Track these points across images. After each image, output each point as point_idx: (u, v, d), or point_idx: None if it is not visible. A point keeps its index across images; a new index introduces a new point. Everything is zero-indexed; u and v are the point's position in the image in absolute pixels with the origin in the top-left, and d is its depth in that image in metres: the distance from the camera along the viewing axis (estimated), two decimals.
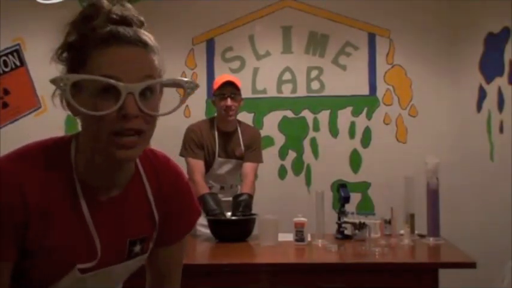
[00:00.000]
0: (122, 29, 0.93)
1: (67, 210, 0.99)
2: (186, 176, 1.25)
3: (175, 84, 1.02)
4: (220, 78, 3.21)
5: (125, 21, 0.96)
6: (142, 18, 0.99)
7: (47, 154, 0.99)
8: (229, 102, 3.07)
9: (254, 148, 3.22)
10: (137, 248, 1.10)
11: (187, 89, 1.00)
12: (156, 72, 0.96)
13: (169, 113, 1.00)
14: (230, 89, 3.10)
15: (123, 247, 1.08)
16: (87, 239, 1.01)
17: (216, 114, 3.24)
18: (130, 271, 1.16)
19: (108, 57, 0.92)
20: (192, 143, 3.11)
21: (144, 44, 0.95)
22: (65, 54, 0.97)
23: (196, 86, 1.01)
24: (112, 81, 0.90)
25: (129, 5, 0.98)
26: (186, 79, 1.01)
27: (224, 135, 3.17)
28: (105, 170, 1.01)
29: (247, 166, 3.17)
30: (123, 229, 1.07)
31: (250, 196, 3.07)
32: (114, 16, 0.95)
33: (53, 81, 0.92)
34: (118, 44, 0.92)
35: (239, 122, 3.25)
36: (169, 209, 1.15)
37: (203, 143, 3.13)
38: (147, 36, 0.96)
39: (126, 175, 1.07)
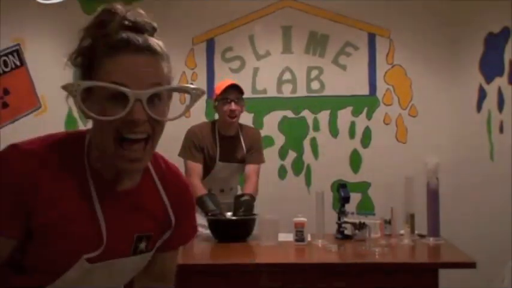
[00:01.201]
0: (132, 36, 0.96)
1: (77, 197, 1.02)
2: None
3: (182, 90, 1.05)
4: (223, 83, 3.18)
5: (137, 27, 0.98)
6: (155, 25, 1.02)
7: (63, 144, 1.04)
8: (233, 106, 3.06)
9: (256, 149, 3.21)
10: (142, 245, 1.13)
11: (193, 95, 1.03)
12: (164, 79, 0.99)
13: (175, 118, 1.03)
14: (234, 93, 3.09)
15: (129, 241, 1.11)
16: (94, 226, 1.04)
17: (216, 118, 3.23)
18: (136, 269, 1.18)
19: (118, 64, 0.95)
20: (192, 145, 3.10)
21: (154, 52, 0.98)
22: (78, 59, 1.00)
23: (203, 93, 1.04)
24: (121, 88, 0.93)
25: (142, 11, 1.01)
26: (192, 86, 1.03)
27: (225, 139, 3.16)
28: (114, 169, 1.04)
29: (250, 167, 3.17)
30: (130, 223, 1.10)
31: (252, 197, 3.07)
32: (127, 22, 0.97)
33: (65, 87, 0.96)
34: (128, 51, 0.95)
35: (240, 125, 3.24)
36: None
37: (203, 146, 3.12)
38: (157, 43, 0.99)
39: (136, 176, 1.10)
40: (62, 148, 1.02)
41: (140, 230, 1.12)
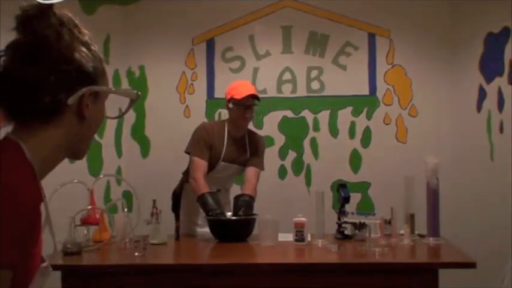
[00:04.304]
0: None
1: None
2: None
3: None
4: (243, 88, 3.14)
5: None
6: None
7: (25, 165, 0.97)
8: (248, 113, 3.09)
9: (259, 155, 3.23)
10: None
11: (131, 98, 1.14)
12: None
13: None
14: (253, 101, 3.11)
15: None
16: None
17: (225, 118, 3.26)
18: None
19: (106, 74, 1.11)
20: (202, 141, 3.10)
21: None
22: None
23: (138, 96, 1.14)
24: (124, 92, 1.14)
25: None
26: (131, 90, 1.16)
27: (233, 140, 3.17)
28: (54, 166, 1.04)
29: (251, 170, 3.17)
30: None
31: (252, 198, 3.07)
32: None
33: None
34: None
35: (248, 129, 3.26)
36: None
37: (212, 144, 3.12)
38: None
39: None
40: (27, 171, 0.96)
41: None
